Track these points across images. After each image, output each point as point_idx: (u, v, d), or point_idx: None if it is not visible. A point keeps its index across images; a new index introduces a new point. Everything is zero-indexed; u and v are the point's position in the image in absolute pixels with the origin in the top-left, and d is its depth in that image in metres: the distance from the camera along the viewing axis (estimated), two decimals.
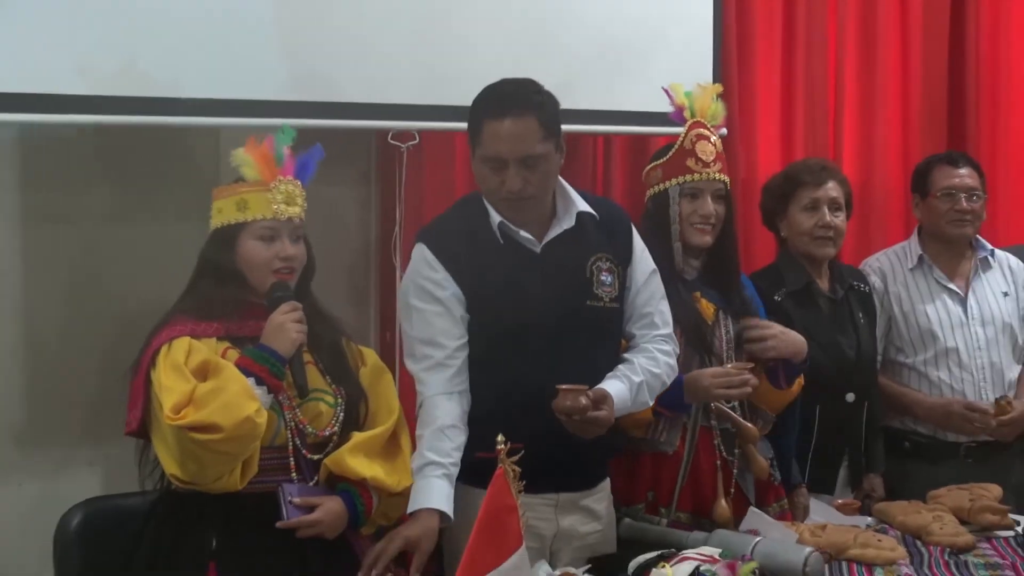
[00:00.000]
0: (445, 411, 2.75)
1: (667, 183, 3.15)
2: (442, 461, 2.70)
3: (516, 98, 2.76)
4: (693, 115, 3.19)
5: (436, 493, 2.67)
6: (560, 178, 2.88)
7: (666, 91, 3.23)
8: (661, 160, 3.19)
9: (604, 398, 2.71)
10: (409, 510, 2.68)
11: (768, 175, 3.88)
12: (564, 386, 2.64)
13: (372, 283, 3.77)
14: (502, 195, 2.77)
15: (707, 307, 3.16)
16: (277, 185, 2.69)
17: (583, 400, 2.64)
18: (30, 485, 3.28)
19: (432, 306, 2.80)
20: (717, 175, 3.14)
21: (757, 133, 4.27)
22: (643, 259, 2.97)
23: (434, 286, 2.80)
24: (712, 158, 3.13)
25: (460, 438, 2.75)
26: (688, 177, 3.12)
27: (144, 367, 2.59)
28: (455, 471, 2.71)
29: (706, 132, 3.16)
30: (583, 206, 2.87)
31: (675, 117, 3.23)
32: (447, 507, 2.67)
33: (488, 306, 2.80)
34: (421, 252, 2.84)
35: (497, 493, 2.27)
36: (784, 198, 3.60)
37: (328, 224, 3.50)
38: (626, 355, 2.92)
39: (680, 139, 3.16)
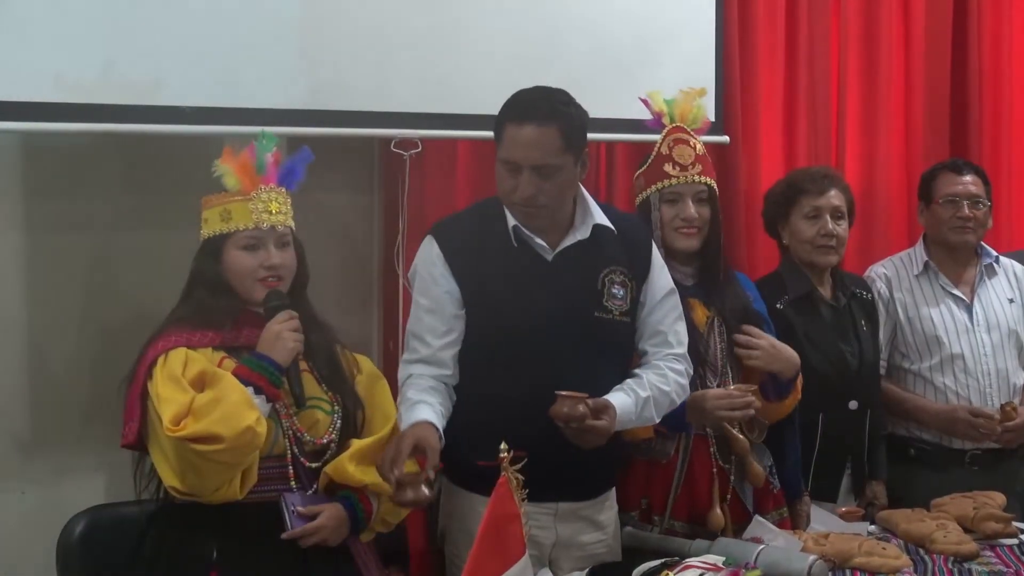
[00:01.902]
0: (425, 387, 2.76)
1: (648, 190, 3.16)
2: (431, 402, 2.71)
3: (541, 106, 2.76)
4: (672, 120, 3.19)
5: (428, 414, 2.67)
6: (582, 189, 2.89)
7: (643, 100, 3.23)
8: (642, 167, 3.20)
9: (605, 408, 2.70)
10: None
11: (770, 183, 3.88)
12: (563, 392, 2.64)
13: (375, 291, 3.77)
14: (514, 200, 2.78)
15: (701, 314, 3.15)
16: (258, 194, 2.70)
17: (581, 408, 2.63)
18: (33, 492, 3.27)
19: (424, 300, 2.83)
20: (697, 177, 3.13)
21: (759, 141, 4.27)
22: (661, 277, 2.96)
23: (431, 281, 2.83)
24: (690, 161, 3.13)
25: (447, 403, 2.77)
26: (667, 182, 3.13)
27: (140, 378, 2.59)
28: (444, 421, 2.71)
29: (685, 136, 3.17)
30: (600, 219, 2.87)
31: (653, 124, 3.23)
32: (440, 425, 2.67)
33: (492, 308, 2.80)
34: (428, 245, 2.87)
35: (500, 501, 2.27)
36: (786, 206, 3.60)
37: (331, 232, 3.51)
38: (636, 370, 2.91)
39: (657, 145, 3.16)
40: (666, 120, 3.20)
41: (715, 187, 3.19)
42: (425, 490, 2.53)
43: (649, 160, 3.17)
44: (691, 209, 3.12)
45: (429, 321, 2.82)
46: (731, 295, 3.21)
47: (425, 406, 2.70)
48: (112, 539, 2.79)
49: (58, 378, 3.28)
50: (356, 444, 2.70)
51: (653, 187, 3.14)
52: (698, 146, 3.17)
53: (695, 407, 3.02)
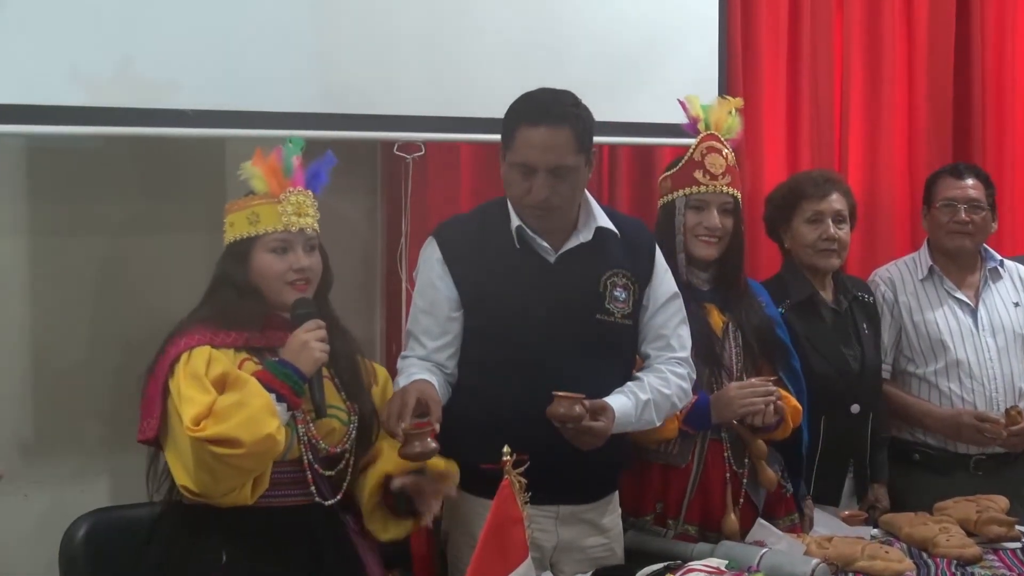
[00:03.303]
0: (423, 368, 2.79)
1: (674, 194, 3.16)
2: (429, 376, 2.74)
3: (553, 108, 2.77)
4: (707, 128, 3.20)
5: (427, 377, 2.72)
6: (587, 192, 2.90)
7: (681, 103, 3.24)
8: (672, 171, 3.20)
9: (602, 409, 2.71)
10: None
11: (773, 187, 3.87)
12: (560, 393, 2.64)
13: (378, 294, 3.77)
14: (528, 203, 2.79)
15: (717, 319, 3.17)
16: (287, 196, 2.69)
17: (577, 408, 2.63)
18: (37, 496, 3.28)
19: (421, 302, 2.87)
20: (725, 188, 3.14)
21: (763, 146, 4.27)
22: (664, 281, 2.96)
23: (428, 284, 2.85)
24: (721, 171, 3.13)
25: (444, 387, 2.80)
26: (694, 189, 3.13)
27: (162, 374, 2.58)
28: (442, 396, 2.74)
29: (718, 145, 3.17)
30: (603, 222, 2.88)
31: (688, 128, 3.24)
32: (439, 391, 2.71)
33: (493, 309, 2.81)
34: (430, 246, 2.89)
35: (503, 504, 2.26)
36: (787, 210, 3.60)
37: (334, 235, 3.48)
38: (638, 373, 2.91)
39: (690, 150, 3.17)
40: (701, 127, 3.20)
41: (740, 199, 3.19)
42: (431, 443, 2.55)
43: (679, 164, 3.17)
44: (716, 219, 3.13)
45: (425, 322, 2.85)
46: (747, 307, 3.21)
47: (423, 376, 2.74)
48: (116, 542, 2.79)
49: (62, 381, 3.29)
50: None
51: (680, 191, 3.15)
52: (730, 157, 3.18)
53: (719, 403, 3.03)
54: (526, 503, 2.30)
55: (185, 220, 3.29)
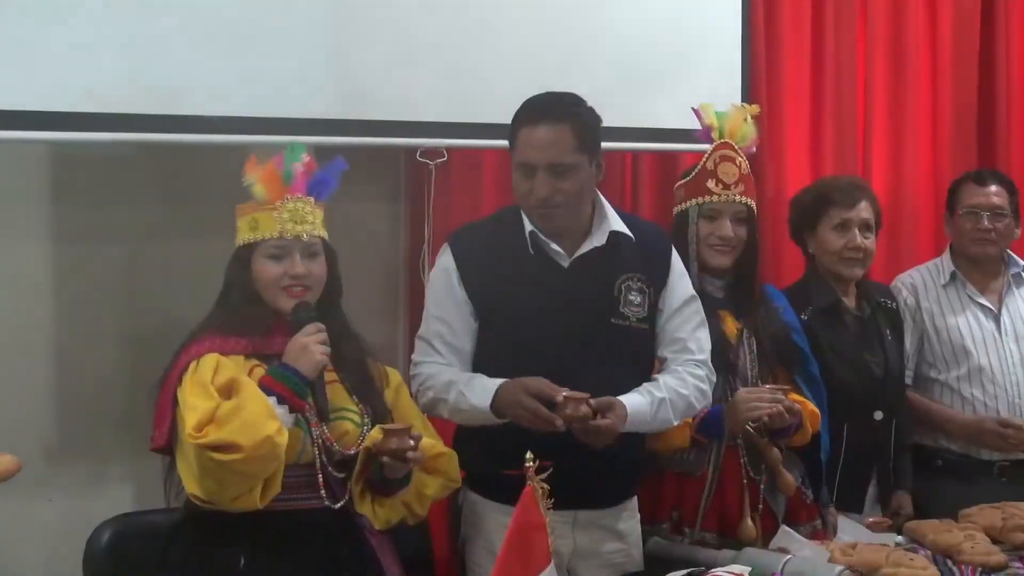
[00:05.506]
0: (458, 368, 2.83)
1: (688, 203, 3.16)
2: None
3: (553, 107, 2.80)
4: (722, 135, 3.19)
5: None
6: (600, 196, 2.90)
7: (695, 111, 3.23)
8: (685, 179, 3.20)
9: (610, 407, 2.70)
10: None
11: None
12: (566, 393, 2.65)
13: (401, 299, 3.78)
14: (531, 202, 2.80)
15: (732, 326, 3.16)
16: (284, 203, 2.69)
17: (583, 408, 2.64)
18: (61, 501, 3.29)
19: (434, 308, 2.88)
20: (738, 197, 3.13)
21: (786, 151, 4.25)
22: (680, 284, 2.96)
23: (442, 292, 2.87)
24: (734, 180, 3.13)
25: None
26: (707, 199, 3.13)
27: (172, 383, 2.60)
28: None
29: (732, 153, 3.16)
30: (617, 226, 2.88)
31: (702, 136, 3.23)
32: None
33: (508, 315, 2.82)
34: (444, 255, 2.90)
35: (526, 510, 2.26)
36: (814, 215, 3.58)
37: (357, 241, 3.52)
38: (655, 375, 2.91)
39: (703, 159, 3.16)
40: (715, 135, 3.20)
41: (755, 207, 3.19)
42: (409, 440, 2.58)
43: (693, 173, 3.17)
44: (728, 228, 3.12)
45: (436, 328, 2.87)
46: (764, 316, 3.21)
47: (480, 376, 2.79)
48: (139, 547, 2.80)
49: (86, 386, 3.30)
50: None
51: (693, 201, 3.15)
52: (743, 165, 3.17)
53: (730, 409, 3.02)
54: (548, 509, 2.30)
55: (209, 226, 3.29)
